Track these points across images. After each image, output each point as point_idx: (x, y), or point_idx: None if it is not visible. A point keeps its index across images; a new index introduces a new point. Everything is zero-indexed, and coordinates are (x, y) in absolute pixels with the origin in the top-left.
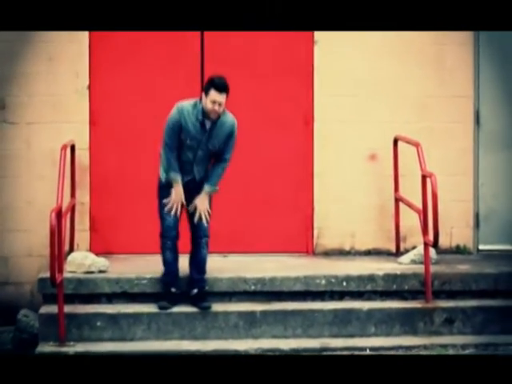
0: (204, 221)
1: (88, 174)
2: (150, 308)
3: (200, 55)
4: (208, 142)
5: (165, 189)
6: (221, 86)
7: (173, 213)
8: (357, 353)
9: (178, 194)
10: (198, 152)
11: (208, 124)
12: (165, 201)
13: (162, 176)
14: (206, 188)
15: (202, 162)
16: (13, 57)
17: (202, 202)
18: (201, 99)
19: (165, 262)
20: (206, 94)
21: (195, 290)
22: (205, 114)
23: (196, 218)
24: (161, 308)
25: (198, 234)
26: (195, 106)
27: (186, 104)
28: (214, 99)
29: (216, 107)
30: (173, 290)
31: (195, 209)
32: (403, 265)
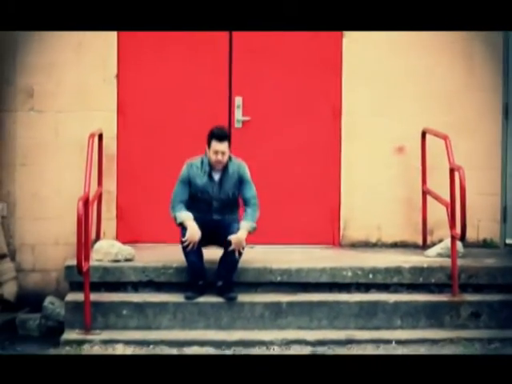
0: (236, 255)
1: (115, 162)
2: (176, 297)
3: (228, 47)
4: (220, 193)
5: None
6: (220, 135)
7: (194, 248)
8: (382, 345)
9: (192, 232)
10: (213, 203)
11: (216, 176)
12: (183, 239)
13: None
14: (244, 224)
15: (219, 209)
16: (41, 45)
17: (237, 241)
18: (206, 153)
19: (189, 262)
20: (209, 145)
21: (220, 282)
22: (211, 165)
23: (229, 249)
24: (187, 298)
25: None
26: (202, 161)
27: (195, 160)
28: (216, 149)
29: (219, 157)
30: (200, 282)
31: (230, 242)
32: (430, 258)
